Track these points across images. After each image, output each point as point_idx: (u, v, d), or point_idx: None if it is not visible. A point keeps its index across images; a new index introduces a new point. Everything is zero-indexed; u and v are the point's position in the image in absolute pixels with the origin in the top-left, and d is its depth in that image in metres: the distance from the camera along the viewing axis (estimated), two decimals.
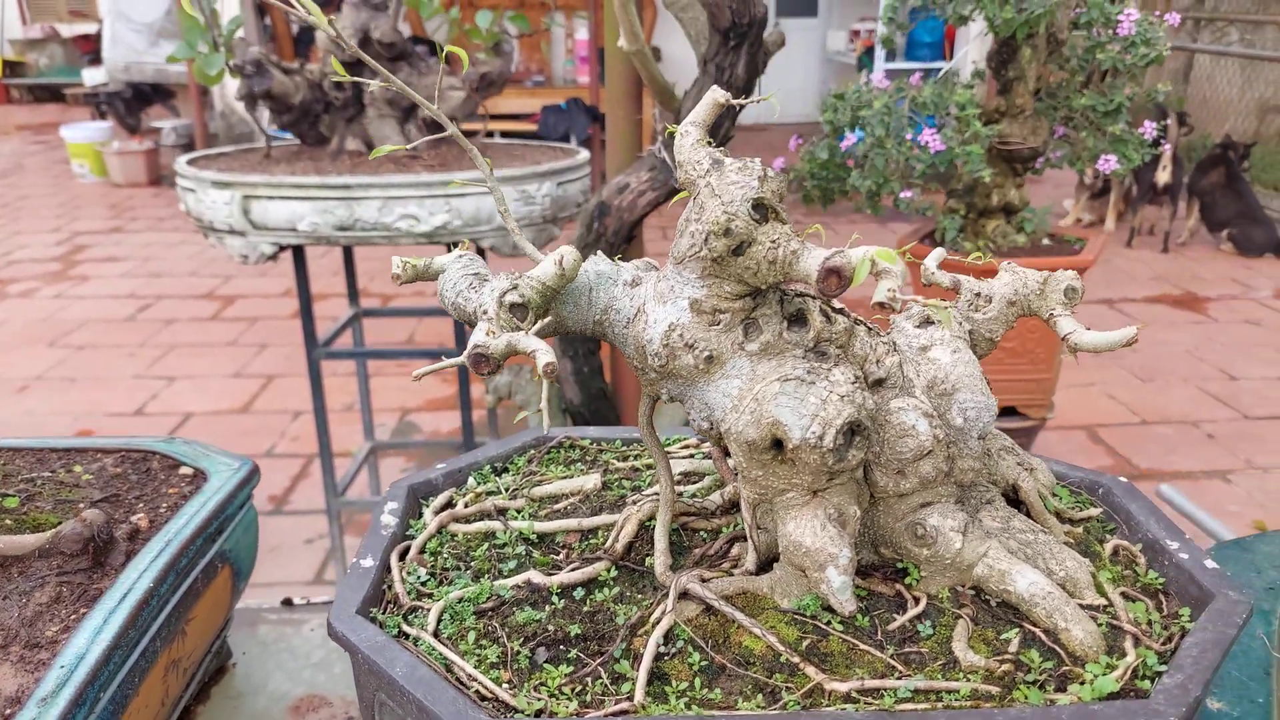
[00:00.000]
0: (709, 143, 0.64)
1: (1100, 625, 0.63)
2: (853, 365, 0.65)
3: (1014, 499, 0.74)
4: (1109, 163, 2.28)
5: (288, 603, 1.00)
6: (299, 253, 2.48)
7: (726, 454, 0.76)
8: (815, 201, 2.63)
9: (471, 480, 0.87)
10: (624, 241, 2.24)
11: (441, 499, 0.82)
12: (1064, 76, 2.47)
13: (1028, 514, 0.74)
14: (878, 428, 0.65)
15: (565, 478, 0.86)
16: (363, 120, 2.47)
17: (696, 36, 2.12)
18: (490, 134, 5.01)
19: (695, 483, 0.82)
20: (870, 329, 0.68)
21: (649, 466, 0.89)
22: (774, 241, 0.59)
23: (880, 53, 7.42)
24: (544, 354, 0.57)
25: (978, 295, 0.72)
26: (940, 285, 0.75)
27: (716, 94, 0.64)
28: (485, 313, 0.62)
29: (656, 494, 0.73)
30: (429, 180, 2.23)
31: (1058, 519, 0.76)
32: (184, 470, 0.85)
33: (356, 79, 0.69)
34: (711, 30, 1.95)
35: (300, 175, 2.27)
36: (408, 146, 0.70)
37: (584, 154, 2.57)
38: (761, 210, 0.60)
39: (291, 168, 2.40)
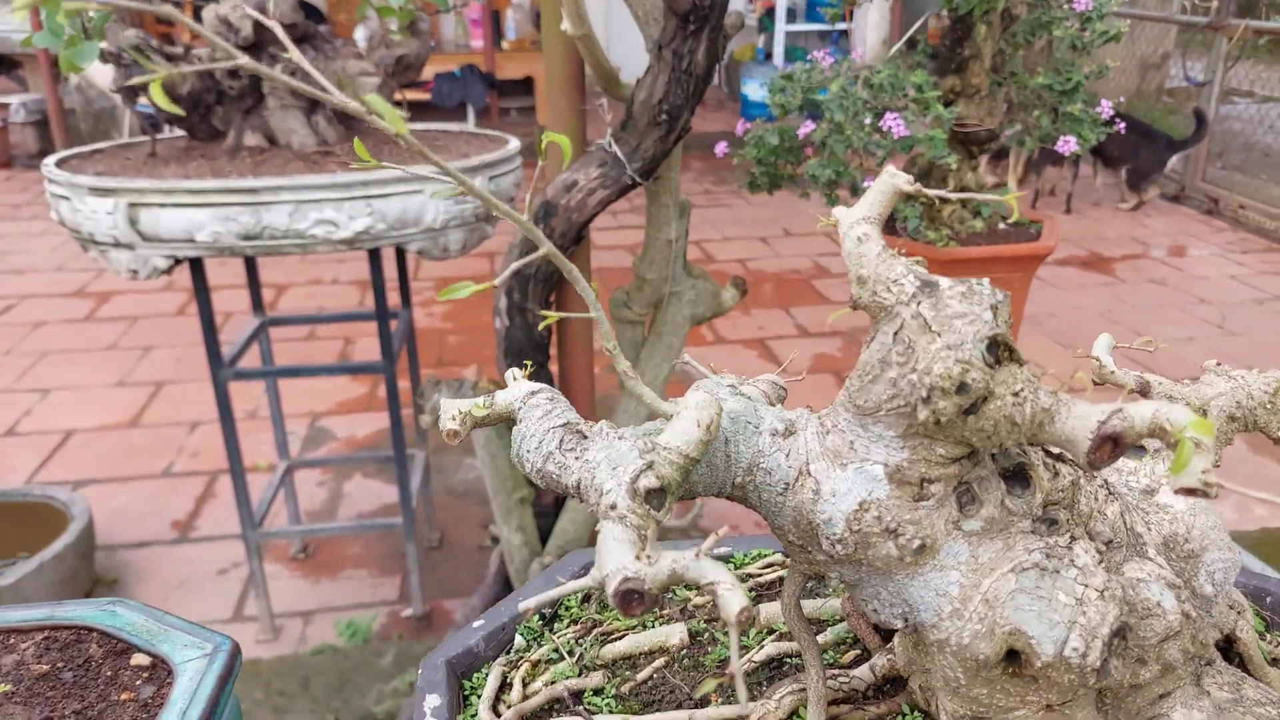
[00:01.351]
0: (893, 250, 0.47)
1: None
2: (1082, 529, 0.50)
3: (1226, 649, 0.61)
4: (1069, 144, 2.20)
5: None
6: (197, 265, 2.19)
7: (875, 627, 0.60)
8: (762, 188, 2.48)
9: (519, 639, 0.68)
10: (572, 244, 2.04)
11: (493, 682, 0.63)
12: (1009, 53, 2.38)
13: (1242, 665, 0.61)
14: None
15: (637, 625, 0.69)
16: (262, 111, 2.19)
17: (645, 18, 1.92)
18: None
19: (817, 634, 0.65)
20: (1081, 469, 0.53)
21: None
22: (1017, 395, 0.43)
23: (781, 14, 7.29)
24: (733, 593, 0.39)
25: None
26: (1122, 387, 0.60)
27: (898, 180, 0.47)
28: (613, 508, 0.43)
29: (799, 687, 0.56)
30: (347, 180, 1.98)
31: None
32: (137, 660, 0.64)
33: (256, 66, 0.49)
34: (667, 13, 1.76)
35: (196, 179, 1.98)
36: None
37: (514, 143, 2.35)
38: (994, 350, 0.43)
39: (184, 169, 2.10)
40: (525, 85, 7.88)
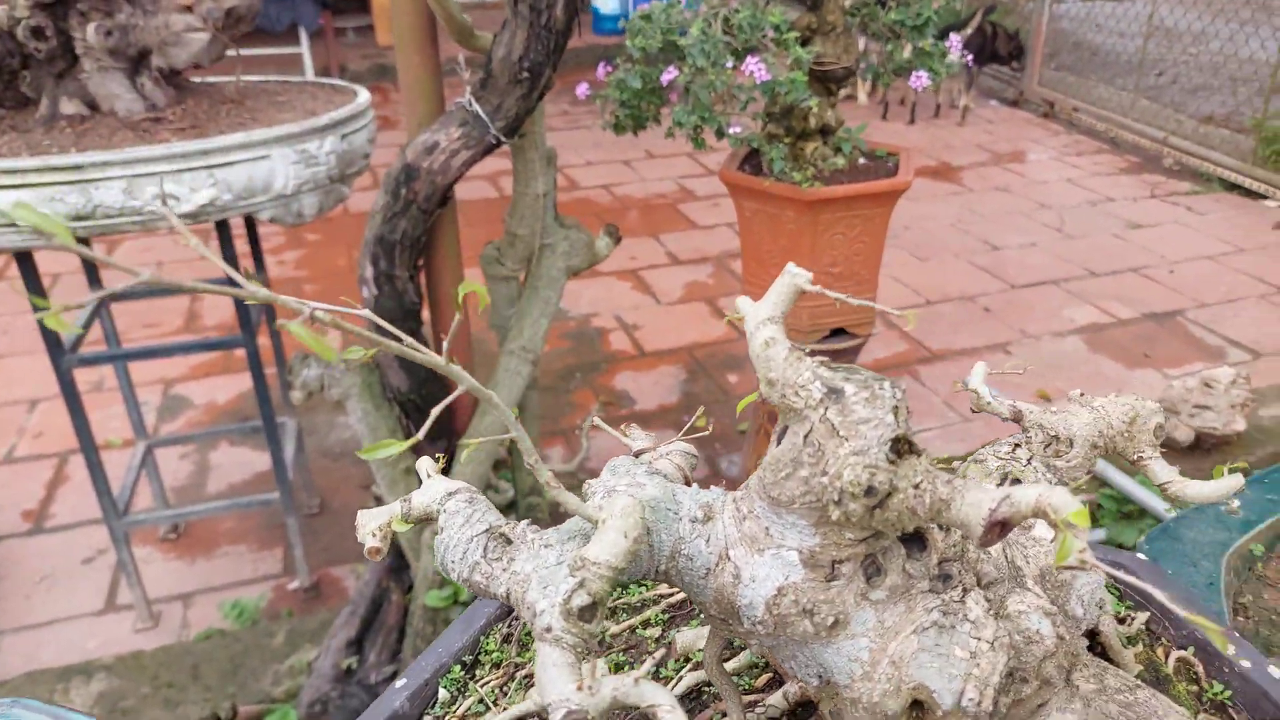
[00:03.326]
0: (798, 350, 0.49)
1: None
2: (971, 576, 0.54)
3: (1088, 638, 0.68)
4: (920, 79, 2.27)
5: None
6: (25, 257, 2.02)
7: None
8: (627, 130, 2.46)
9: (443, 693, 0.69)
10: (438, 206, 1.98)
11: None
12: None
13: (1103, 654, 0.68)
14: None
15: None
16: (78, 75, 2.00)
17: None
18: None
19: (730, 658, 0.69)
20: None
21: (647, 624, 0.75)
22: (918, 487, 0.46)
23: None
24: (672, 715, 0.41)
25: (1055, 439, 0.63)
26: (997, 415, 0.65)
27: (799, 279, 0.48)
28: (549, 631, 0.44)
29: None
30: (185, 150, 1.86)
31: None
32: None
33: None
34: None
35: (10, 156, 1.81)
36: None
37: (364, 95, 2.24)
38: (896, 446, 0.46)
39: None
40: (361, 2, 7.43)
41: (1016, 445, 0.63)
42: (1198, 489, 0.60)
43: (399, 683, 0.69)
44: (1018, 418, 0.64)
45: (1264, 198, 4.98)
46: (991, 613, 0.51)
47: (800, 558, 0.49)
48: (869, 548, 0.50)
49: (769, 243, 2.41)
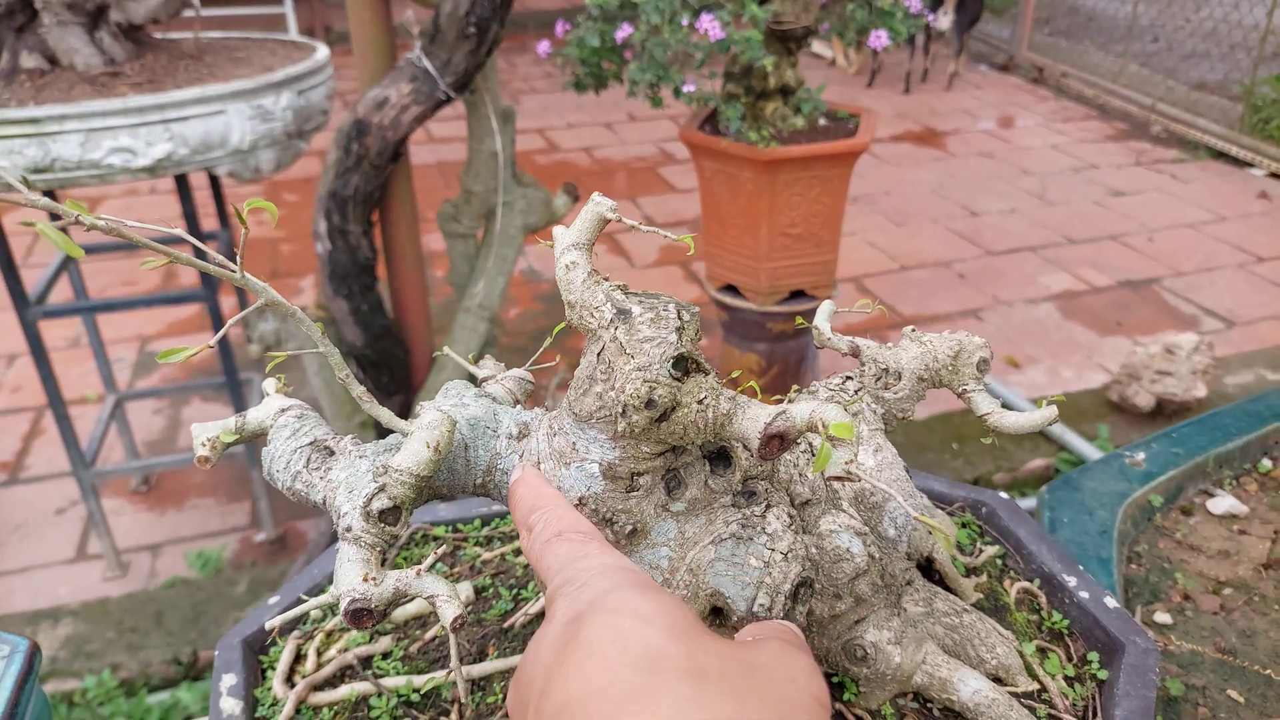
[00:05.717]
0: (598, 275, 0.51)
1: (1040, 717, 0.63)
2: (781, 495, 0.57)
3: (927, 567, 0.71)
4: (880, 38, 2.27)
5: None
6: None
7: None
8: (588, 88, 2.46)
9: (315, 611, 0.73)
10: (389, 161, 1.99)
11: (287, 655, 0.68)
12: None
13: (940, 581, 0.72)
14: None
15: None
16: (37, 30, 2.00)
17: None
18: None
19: None
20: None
21: (518, 551, 0.79)
22: (701, 402, 0.49)
23: None
24: (448, 603, 0.44)
25: (886, 372, 0.65)
26: (837, 350, 0.67)
27: (601, 208, 0.51)
28: (349, 530, 0.47)
29: None
30: (141, 104, 1.88)
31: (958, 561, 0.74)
32: None
33: None
34: None
35: None
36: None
37: (323, 51, 2.25)
38: (682, 365, 0.49)
39: None
40: None
41: (848, 378, 0.66)
42: (1014, 419, 0.62)
43: (272, 599, 0.72)
44: (855, 353, 0.67)
45: (1250, 166, 4.97)
46: (793, 528, 0.55)
47: (601, 469, 0.52)
48: (668, 462, 0.53)
49: (728, 203, 2.43)
